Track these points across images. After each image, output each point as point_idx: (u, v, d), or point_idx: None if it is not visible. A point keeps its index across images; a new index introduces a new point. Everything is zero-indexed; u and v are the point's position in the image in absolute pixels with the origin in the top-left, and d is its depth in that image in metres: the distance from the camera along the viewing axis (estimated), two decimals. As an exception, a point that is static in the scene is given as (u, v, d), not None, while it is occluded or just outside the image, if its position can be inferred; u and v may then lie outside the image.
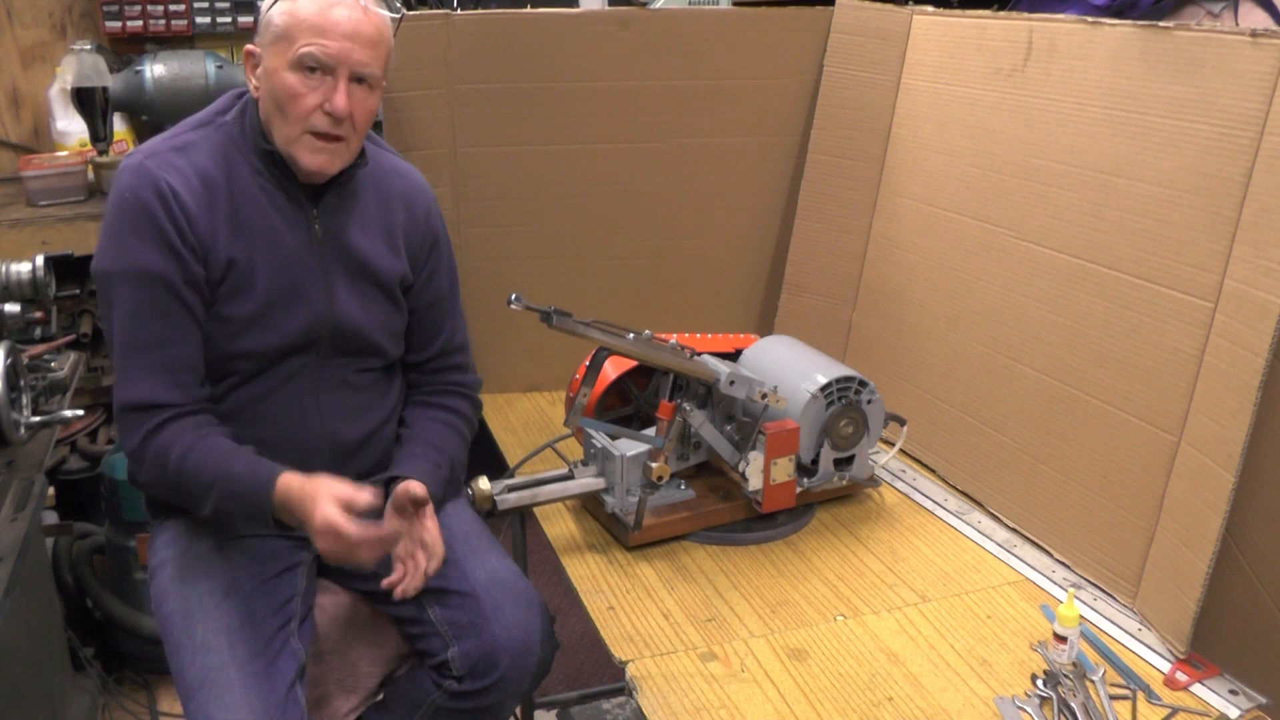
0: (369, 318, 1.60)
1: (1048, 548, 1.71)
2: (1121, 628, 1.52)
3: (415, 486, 1.48)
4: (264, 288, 1.52)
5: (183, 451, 1.46)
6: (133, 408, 1.49)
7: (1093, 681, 1.39)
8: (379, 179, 1.63)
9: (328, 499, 1.37)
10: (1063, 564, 1.68)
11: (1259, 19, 2.23)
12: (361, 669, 1.65)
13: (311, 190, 1.55)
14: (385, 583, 1.48)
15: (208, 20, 2.91)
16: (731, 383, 1.65)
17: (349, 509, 1.37)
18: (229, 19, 2.89)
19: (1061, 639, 1.41)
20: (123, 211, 1.48)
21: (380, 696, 1.68)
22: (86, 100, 2.79)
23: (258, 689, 1.40)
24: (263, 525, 1.48)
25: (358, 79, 1.47)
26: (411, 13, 2.40)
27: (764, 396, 1.67)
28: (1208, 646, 1.44)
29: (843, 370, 1.75)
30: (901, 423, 1.87)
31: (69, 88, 2.75)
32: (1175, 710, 1.36)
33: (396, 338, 1.67)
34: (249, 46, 1.50)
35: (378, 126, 2.57)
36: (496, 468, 1.85)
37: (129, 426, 1.50)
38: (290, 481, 1.42)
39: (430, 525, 1.50)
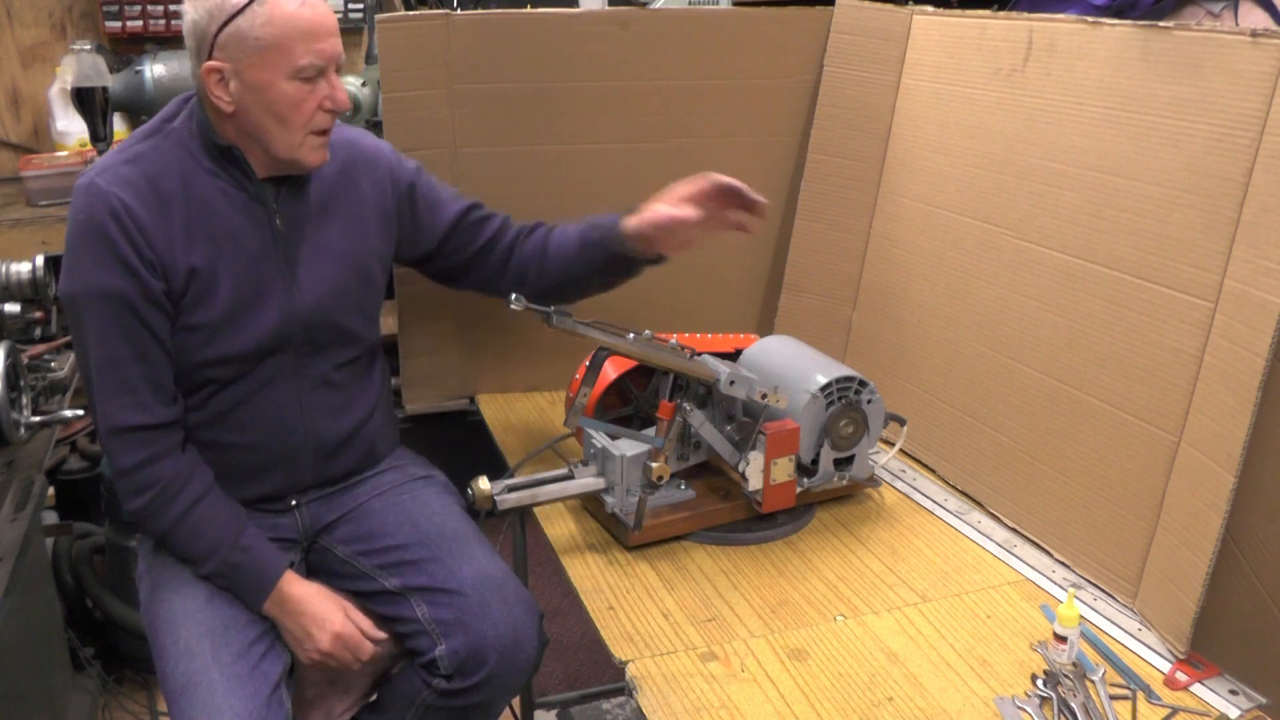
0: (339, 301, 1.60)
1: (1048, 548, 1.71)
2: (1121, 628, 1.52)
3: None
4: (228, 291, 1.52)
5: (191, 499, 1.50)
6: (122, 430, 1.49)
7: (1093, 681, 1.40)
8: (333, 156, 1.62)
9: (337, 609, 1.57)
10: (1063, 564, 1.68)
11: (1259, 19, 2.23)
12: (354, 669, 1.65)
13: (270, 183, 1.55)
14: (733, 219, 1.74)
15: (208, 20, 2.91)
16: (731, 383, 1.65)
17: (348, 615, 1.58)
18: (229, 19, 2.89)
19: (1061, 639, 1.41)
20: (77, 233, 1.47)
21: (373, 697, 1.69)
22: (86, 100, 2.80)
23: (240, 692, 1.40)
24: (248, 596, 1.55)
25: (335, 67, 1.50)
26: (411, 13, 2.40)
27: (764, 396, 1.67)
28: (1208, 646, 1.44)
29: (843, 370, 1.75)
30: (901, 423, 1.87)
31: (69, 88, 2.76)
32: (1175, 710, 1.36)
33: (371, 319, 1.67)
34: (212, 64, 1.44)
35: (377, 126, 2.57)
36: (496, 468, 1.85)
37: (121, 449, 1.50)
38: (294, 585, 1.54)
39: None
